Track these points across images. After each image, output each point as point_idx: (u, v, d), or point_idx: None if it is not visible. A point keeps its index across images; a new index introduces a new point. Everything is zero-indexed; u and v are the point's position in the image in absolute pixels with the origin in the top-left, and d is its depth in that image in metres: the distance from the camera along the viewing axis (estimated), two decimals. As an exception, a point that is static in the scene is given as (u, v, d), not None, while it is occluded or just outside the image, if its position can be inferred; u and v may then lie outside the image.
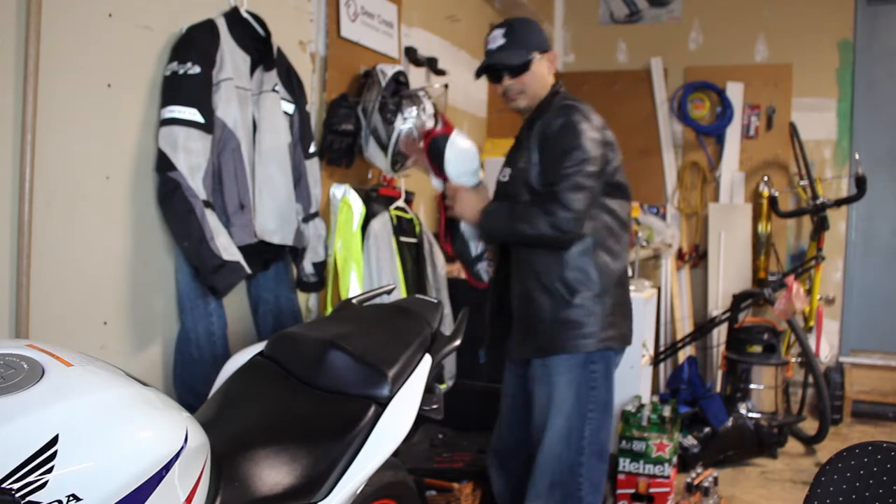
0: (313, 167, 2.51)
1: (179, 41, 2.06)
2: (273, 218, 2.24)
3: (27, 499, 0.85)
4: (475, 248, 2.36)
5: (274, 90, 2.28)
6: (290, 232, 2.32)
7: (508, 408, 2.33)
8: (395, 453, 1.55)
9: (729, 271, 4.79)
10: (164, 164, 1.97)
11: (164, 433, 1.02)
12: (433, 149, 2.23)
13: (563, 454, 2.08)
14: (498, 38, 2.17)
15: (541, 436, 2.11)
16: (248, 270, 2.12)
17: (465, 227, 2.34)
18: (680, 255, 4.80)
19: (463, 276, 3.30)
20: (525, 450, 2.24)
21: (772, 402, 3.88)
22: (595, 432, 2.11)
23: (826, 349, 4.32)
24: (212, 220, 2.02)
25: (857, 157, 4.52)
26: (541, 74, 2.19)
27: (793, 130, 4.60)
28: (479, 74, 2.24)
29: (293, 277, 2.51)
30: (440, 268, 3.11)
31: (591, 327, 2.08)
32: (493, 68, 2.20)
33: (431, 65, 3.50)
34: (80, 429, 0.93)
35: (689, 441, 3.45)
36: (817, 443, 3.87)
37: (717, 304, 4.73)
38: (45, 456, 0.88)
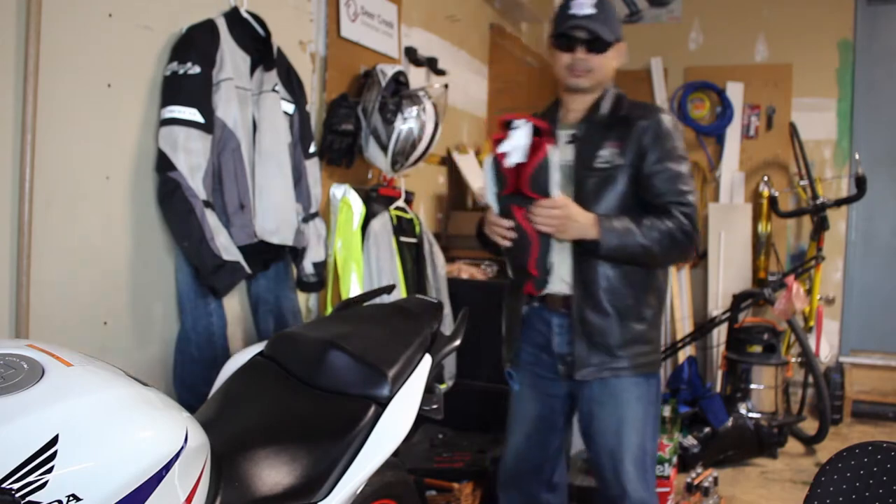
0: (313, 167, 2.51)
1: (179, 41, 2.06)
2: (273, 218, 2.24)
3: (27, 499, 0.85)
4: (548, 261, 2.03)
5: (274, 90, 2.28)
6: (290, 232, 2.32)
7: (531, 429, 2.11)
8: (395, 453, 1.55)
9: (729, 271, 4.79)
10: (164, 164, 1.97)
11: (164, 433, 1.02)
12: (542, 169, 1.86)
13: (640, 474, 2.00)
14: (586, 6, 1.96)
15: (614, 458, 1.99)
16: (248, 270, 2.12)
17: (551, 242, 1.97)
18: (680, 255, 4.80)
19: (464, 275, 3.30)
20: (548, 471, 2.14)
21: (772, 402, 3.88)
22: (655, 448, 2.08)
23: (826, 349, 4.32)
24: (212, 220, 2.02)
25: (857, 157, 4.52)
26: (611, 62, 2.02)
27: (793, 130, 4.60)
28: (557, 37, 1.99)
29: (293, 277, 2.50)
30: (440, 268, 3.11)
31: (658, 344, 2.07)
32: (578, 35, 1.96)
33: (431, 65, 3.50)
34: (80, 429, 0.93)
35: (689, 441, 3.45)
36: (817, 443, 3.87)
37: (717, 304, 4.73)
38: (45, 456, 0.88)
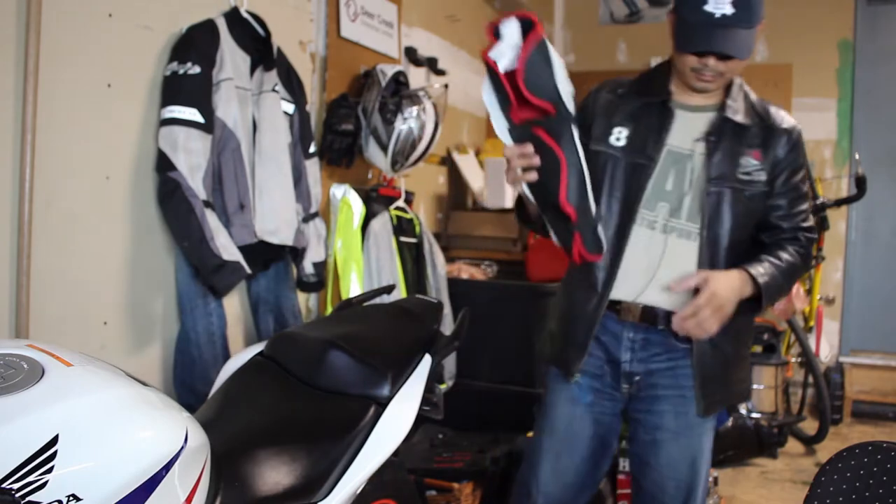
0: (313, 167, 2.51)
1: (179, 41, 2.06)
2: (273, 218, 2.24)
3: (27, 499, 0.85)
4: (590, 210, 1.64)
5: (274, 90, 2.28)
6: (290, 232, 2.32)
7: (587, 452, 1.83)
8: (396, 453, 1.55)
9: (729, 271, 4.79)
10: (164, 164, 1.97)
11: (164, 433, 1.02)
12: (535, 63, 1.50)
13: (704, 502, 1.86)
14: (725, 4, 1.56)
15: (689, 491, 1.79)
16: (248, 270, 2.12)
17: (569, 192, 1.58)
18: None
19: (464, 275, 3.30)
20: (587, 496, 1.91)
21: (772, 402, 3.88)
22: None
23: (826, 349, 4.32)
24: (212, 220, 2.02)
25: (857, 157, 4.52)
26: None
27: (793, 130, 4.59)
28: (697, 51, 1.62)
29: (293, 277, 2.51)
30: (440, 268, 3.11)
31: None
32: (711, 49, 1.61)
33: (431, 65, 3.50)
34: (80, 429, 0.93)
35: (689, 441, 3.45)
36: (817, 443, 3.87)
37: (717, 304, 4.73)
38: (45, 456, 0.88)
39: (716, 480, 3.20)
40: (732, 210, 1.68)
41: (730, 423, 3.63)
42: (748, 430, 3.67)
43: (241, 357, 1.65)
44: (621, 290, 1.73)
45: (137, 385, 1.08)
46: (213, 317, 2.14)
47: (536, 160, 1.52)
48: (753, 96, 1.76)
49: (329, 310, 2.66)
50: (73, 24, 1.80)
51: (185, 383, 2.09)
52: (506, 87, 1.50)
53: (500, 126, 1.56)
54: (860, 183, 4.04)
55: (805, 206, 1.75)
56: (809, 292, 4.24)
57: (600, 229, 1.64)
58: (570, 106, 1.53)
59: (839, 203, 4.25)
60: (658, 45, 5.07)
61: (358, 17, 2.96)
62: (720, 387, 1.75)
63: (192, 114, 1.99)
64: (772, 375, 3.87)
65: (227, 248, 2.04)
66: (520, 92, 1.47)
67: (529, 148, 1.52)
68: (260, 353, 1.64)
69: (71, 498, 0.88)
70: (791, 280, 1.72)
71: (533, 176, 1.54)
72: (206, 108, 2.02)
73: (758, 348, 3.86)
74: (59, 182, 1.79)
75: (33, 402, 0.92)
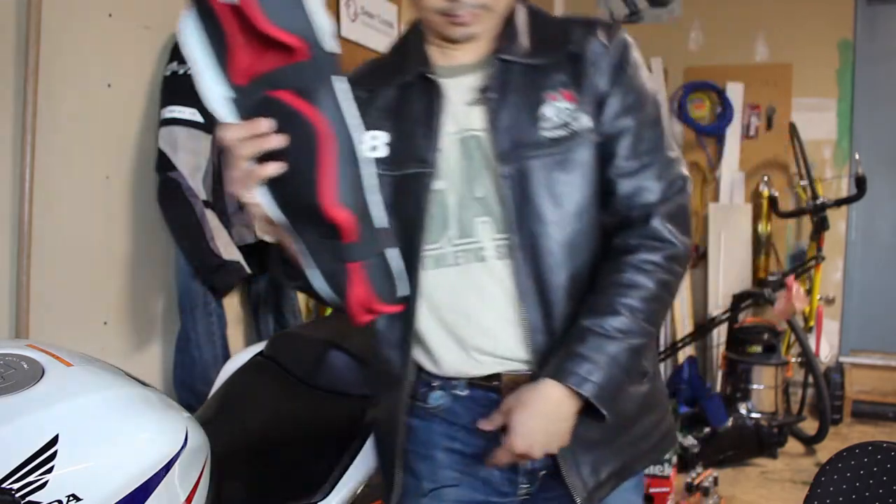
0: (313, 167, 2.51)
1: (179, 41, 2.06)
2: (273, 218, 2.24)
3: (27, 499, 0.85)
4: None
5: (274, 90, 2.28)
6: (290, 232, 2.32)
7: None
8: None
9: (729, 271, 4.79)
10: (164, 164, 1.97)
11: (164, 433, 1.03)
12: None
13: None
14: None
15: None
16: (248, 270, 2.12)
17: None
18: (680, 255, 4.80)
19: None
20: None
21: (772, 402, 3.88)
22: None
23: (826, 349, 4.32)
24: (212, 220, 2.02)
25: (857, 157, 4.52)
26: None
27: (793, 130, 4.60)
28: None
29: (293, 277, 2.50)
30: (440, 268, 3.11)
31: (667, 405, 1.29)
32: None
33: (431, 65, 3.50)
34: (80, 429, 0.93)
35: (689, 441, 3.45)
36: (817, 443, 3.87)
37: (717, 304, 4.73)
38: (45, 456, 0.88)
39: (716, 480, 3.20)
40: (550, 192, 1.09)
41: (730, 423, 3.63)
42: (748, 430, 3.67)
43: (241, 357, 1.65)
44: (444, 366, 1.16)
45: (137, 385, 1.08)
46: (213, 317, 2.14)
47: (278, 140, 0.92)
48: (549, 18, 1.19)
49: (329, 310, 2.66)
50: (73, 24, 1.80)
51: (185, 383, 2.10)
52: (224, 24, 0.91)
53: (216, 94, 0.98)
54: (860, 183, 4.04)
55: (662, 152, 1.12)
56: (809, 292, 4.25)
57: (396, 255, 1.02)
58: (331, 47, 0.94)
59: (839, 203, 4.25)
60: (658, 45, 5.08)
61: (358, 17, 2.96)
62: (608, 454, 1.16)
63: (192, 114, 1.99)
64: (772, 375, 3.88)
65: (226, 248, 2.04)
66: (252, 27, 0.89)
67: (264, 123, 0.92)
68: (260, 353, 1.64)
69: (71, 498, 0.88)
70: (649, 333, 1.10)
71: (275, 167, 0.93)
72: (206, 108, 2.02)
73: (758, 348, 3.86)
74: (59, 182, 1.79)
75: (33, 402, 0.92)
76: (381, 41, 3.11)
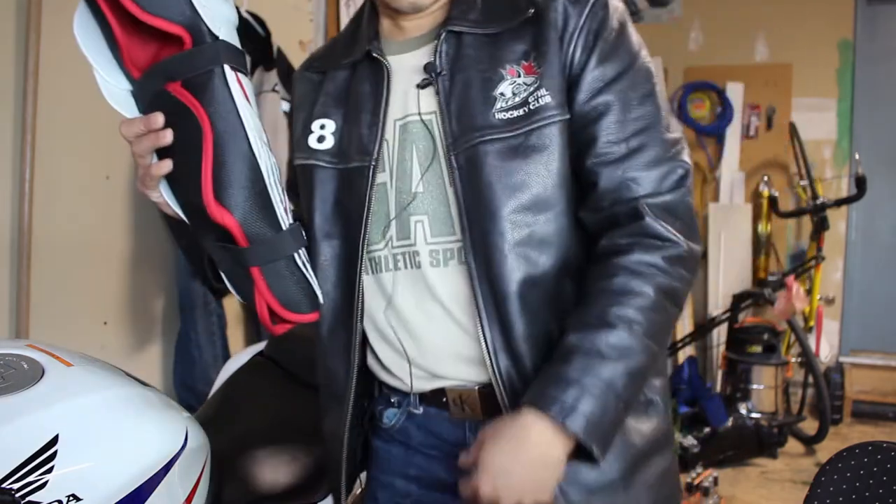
0: (313, 167, 2.51)
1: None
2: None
3: (27, 499, 0.85)
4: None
5: (274, 90, 2.29)
6: (290, 232, 2.32)
7: None
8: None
9: (729, 271, 4.79)
10: (164, 164, 1.97)
11: (164, 433, 1.02)
12: None
13: None
14: None
15: None
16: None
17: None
18: (680, 255, 4.80)
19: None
20: None
21: (772, 402, 3.88)
22: None
23: (826, 349, 4.32)
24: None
25: (857, 157, 4.52)
26: None
27: (793, 130, 4.60)
28: None
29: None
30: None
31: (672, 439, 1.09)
32: None
33: (431, 65, 3.50)
34: (80, 429, 0.93)
35: (689, 441, 3.45)
36: (817, 443, 3.87)
37: (717, 304, 4.73)
38: (45, 456, 0.88)
39: (716, 480, 3.20)
40: (504, 184, 0.91)
41: (730, 423, 3.63)
42: (748, 430, 3.67)
43: (241, 357, 1.65)
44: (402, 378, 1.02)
45: (137, 385, 1.08)
46: (213, 317, 2.14)
47: (168, 136, 0.88)
48: None
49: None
50: (73, 24, 1.80)
51: (185, 383, 2.10)
52: (108, 15, 0.90)
53: (115, 87, 0.94)
54: (860, 183, 4.05)
55: (655, 133, 0.92)
56: (809, 292, 4.25)
57: (304, 256, 0.97)
58: (226, 34, 0.88)
59: (839, 203, 4.25)
60: (658, 45, 5.08)
61: (358, 17, 2.97)
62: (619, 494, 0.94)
63: (192, 114, 1.99)
64: (772, 375, 3.88)
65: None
66: (126, 12, 0.86)
67: (159, 118, 0.89)
68: (260, 353, 1.64)
69: (71, 498, 0.88)
70: (652, 352, 0.89)
71: (166, 165, 0.89)
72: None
73: (758, 348, 3.86)
74: (59, 182, 1.79)
75: (33, 402, 0.92)
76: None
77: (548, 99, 0.91)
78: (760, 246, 4.79)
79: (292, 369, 1.56)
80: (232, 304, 2.33)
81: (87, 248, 1.88)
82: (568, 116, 0.92)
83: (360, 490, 1.44)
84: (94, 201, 1.89)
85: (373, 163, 0.98)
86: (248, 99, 0.89)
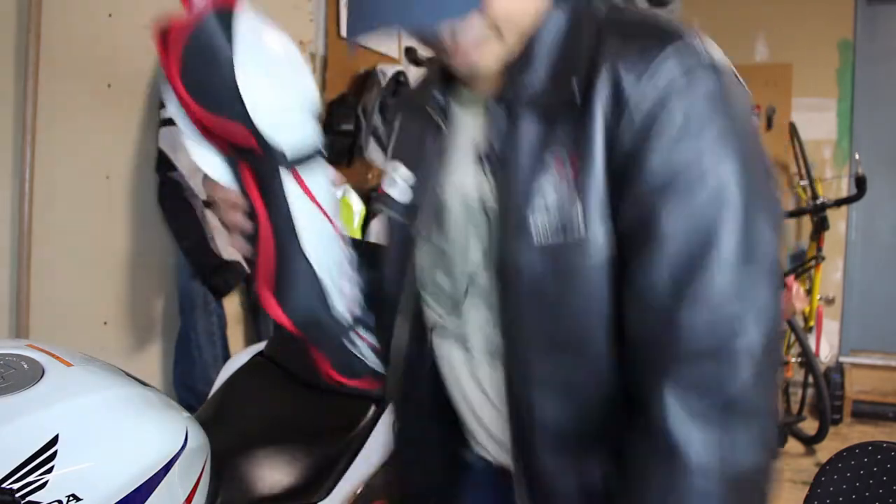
0: (313, 167, 2.51)
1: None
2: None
3: (27, 499, 0.85)
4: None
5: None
6: (290, 232, 2.32)
7: None
8: (395, 453, 1.55)
9: (729, 271, 4.79)
10: (164, 164, 1.97)
11: (164, 433, 1.02)
12: (204, 49, 0.83)
13: None
14: None
15: None
16: (249, 270, 2.12)
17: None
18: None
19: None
20: None
21: (772, 402, 3.88)
22: None
23: (826, 349, 4.32)
24: (212, 220, 2.02)
25: (857, 157, 4.52)
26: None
27: (793, 130, 4.60)
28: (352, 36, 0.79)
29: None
30: (440, 268, 3.11)
31: None
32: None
33: (431, 65, 3.50)
34: (80, 429, 0.93)
35: (689, 441, 3.45)
36: (817, 443, 3.87)
37: (717, 304, 4.73)
38: (45, 456, 0.88)
39: (716, 480, 3.19)
40: (541, 328, 0.76)
41: (730, 423, 3.63)
42: (748, 430, 3.67)
43: (241, 357, 1.65)
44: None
45: (137, 385, 1.08)
46: (213, 317, 2.14)
47: (239, 218, 0.87)
48: (589, 28, 0.77)
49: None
50: (73, 24, 1.80)
51: (185, 383, 2.10)
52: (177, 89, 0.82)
53: (210, 157, 0.86)
54: (860, 183, 4.04)
55: (711, 284, 0.68)
56: (809, 292, 4.25)
57: (360, 337, 0.99)
58: (277, 145, 0.84)
59: (839, 203, 4.25)
60: (658, 45, 5.08)
61: (358, 17, 2.97)
62: None
63: (192, 114, 1.99)
64: (772, 375, 3.88)
65: (226, 248, 2.04)
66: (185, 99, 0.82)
67: (235, 195, 0.87)
68: (260, 353, 1.64)
69: (71, 498, 0.87)
70: None
71: (243, 246, 0.89)
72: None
73: (758, 348, 3.86)
74: (59, 182, 1.79)
75: (33, 402, 0.92)
76: (380, 41, 3.11)
77: (580, 222, 0.73)
78: (760, 246, 4.79)
79: (292, 369, 1.56)
80: (232, 304, 2.33)
81: (87, 248, 1.88)
82: (607, 253, 0.77)
83: (359, 490, 1.44)
84: (94, 201, 1.89)
85: (430, 230, 0.91)
86: (310, 194, 0.90)
